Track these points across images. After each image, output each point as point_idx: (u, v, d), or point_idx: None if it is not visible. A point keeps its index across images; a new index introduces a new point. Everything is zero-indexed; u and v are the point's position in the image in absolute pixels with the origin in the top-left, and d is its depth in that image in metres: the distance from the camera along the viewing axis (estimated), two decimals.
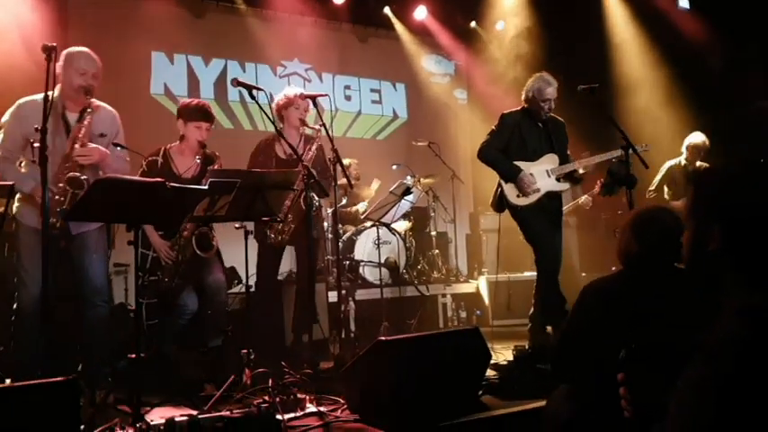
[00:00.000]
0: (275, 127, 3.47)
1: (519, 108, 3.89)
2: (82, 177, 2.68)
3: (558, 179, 3.80)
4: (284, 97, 3.74)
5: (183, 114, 3.29)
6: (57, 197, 2.67)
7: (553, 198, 3.82)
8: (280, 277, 4.61)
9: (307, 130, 3.80)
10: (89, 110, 2.80)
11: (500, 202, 3.82)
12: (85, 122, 2.77)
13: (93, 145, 2.80)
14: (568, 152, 3.95)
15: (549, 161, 3.81)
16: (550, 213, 3.81)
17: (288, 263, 4.56)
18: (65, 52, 2.89)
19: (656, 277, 1.55)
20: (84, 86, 2.79)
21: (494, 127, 3.88)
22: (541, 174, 3.77)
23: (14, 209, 2.86)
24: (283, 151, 3.77)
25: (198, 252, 3.15)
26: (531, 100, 3.79)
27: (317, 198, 3.63)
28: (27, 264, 2.76)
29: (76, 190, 2.66)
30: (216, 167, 3.27)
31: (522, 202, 3.72)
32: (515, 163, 3.74)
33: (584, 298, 1.68)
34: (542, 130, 3.84)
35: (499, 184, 3.82)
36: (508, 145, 3.78)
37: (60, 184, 2.69)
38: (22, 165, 2.84)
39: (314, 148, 3.70)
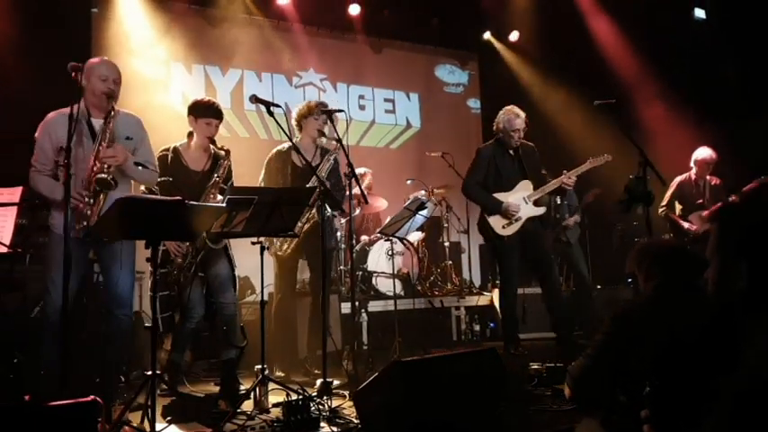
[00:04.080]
0: (290, 140, 3.49)
1: (492, 140, 4.28)
2: (109, 178, 2.73)
3: (535, 204, 4.15)
4: (305, 107, 3.77)
5: (194, 111, 3.33)
6: (88, 199, 2.72)
7: (534, 222, 4.17)
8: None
9: (323, 140, 3.81)
10: (112, 113, 2.86)
11: (485, 231, 4.19)
12: (110, 126, 2.84)
13: (117, 146, 2.86)
14: (544, 172, 4.28)
15: (524, 188, 4.16)
16: (534, 238, 4.15)
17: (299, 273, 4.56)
18: (87, 63, 2.96)
19: (684, 309, 1.51)
20: (107, 92, 2.86)
21: (471, 162, 4.27)
22: (519, 201, 4.11)
23: (50, 219, 2.90)
24: (300, 161, 3.79)
25: (209, 244, 3.16)
26: (502, 131, 4.18)
27: (329, 209, 3.62)
28: (55, 274, 2.79)
29: (105, 190, 2.72)
30: (226, 163, 3.30)
31: (507, 232, 4.10)
32: (494, 195, 4.11)
33: (611, 325, 1.64)
34: (514, 157, 4.21)
35: (484, 216, 4.17)
36: (486, 177, 4.15)
37: (92, 187, 2.74)
38: (57, 176, 2.87)
39: (332, 159, 3.72)
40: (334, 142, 3.71)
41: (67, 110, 2.88)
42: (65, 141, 2.72)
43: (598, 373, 1.64)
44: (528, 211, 4.12)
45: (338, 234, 5.22)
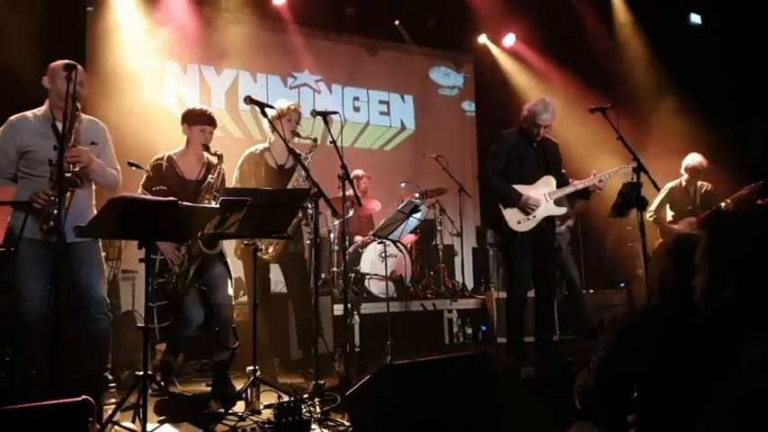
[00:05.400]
0: (285, 142, 3.50)
1: (516, 128, 3.93)
2: (75, 177, 2.71)
3: (555, 203, 3.83)
4: (277, 109, 3.77)
5: (188, 119, 3.33)
6: (54, 199, 2.68)
7: (549, 221, 3.87)
8: (283, 290, 4.62)
9: (301, 141, 3.82)
10: (77, 112, 2.83)
11: (498, 225, 3.85)
12: (75, 127, 2.82)
13: (83, 147, 2.85)
14: (564, 171, 4.00)
15: (546, 184, 3.84)
16: (546, 240, 3.87)
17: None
18: (50, 66, 2.95)
19: (685, 314, 1.48)
20: (72, 94, 2.79)
21: (493, 147, 3.96)
22: (539, 197, 3.79)
23: (12, 220, 2.86)
24: (274, 161, 3.80)
25: (204, 250, 3.15)
26: (526, 120, 3.83)
27: (310, 207, 3.60)
28: (25, 277, 2.79)
29: (71, 187, 2.70)
30: (219, 169, 3.29)
31: (523, 228, 3.76)
32: (514, 187, 3.77)
33: (614, 334, 1.61)
34: (537, 150, 3.88)
35: (497, 206, 3.83)
36: (506, 166, 3.81)
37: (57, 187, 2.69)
38: (17, 178, 2.86)
39: (310, 157, 3.71)
40: (310, 142, 3.71)
41: (30, 113, 2.92)
42: (28, 145, 2.76)
43: (605, 387, 1.59)
44: (547, 209, 3.79)
45: (331, 236, 5.23)
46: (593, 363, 1.63)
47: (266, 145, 3.87)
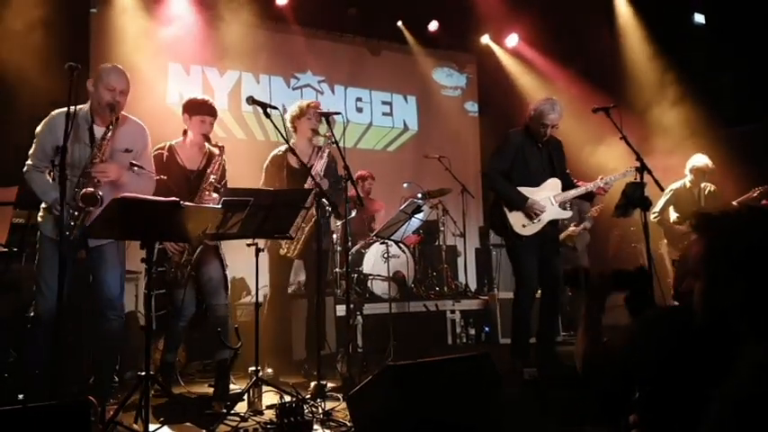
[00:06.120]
0: (287, 142, 3.50)
1: (521, 127, 3.85)
2: (98, 194, 2.70)
3: (561, 206, 3.78)
4: (297, 108, 3.78)
5: (189, 109, 3.34)
6: (73, 212, 2.70)
7: (553, 224, 3.83)
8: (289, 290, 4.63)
9: (320, 140, 3.82)
10: (111, 126, 2.82)
11: (502, 228, 3.77)
12: (108, 138, 2.80)
13: (112, 163, 2.83)
14: (568, 171, 3.95)
15: (552, 187, 3.77)
16: (549, 241, 3.80)
17: (293, 274, 4.55)
18: (99, 68, 2.96)
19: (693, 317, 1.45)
20: (111, 103, 2.82)
21: (498, 146, 3.88)
22: (545, 201, 3.72)
23: (38, 218, 2.90)
24: (296, 161, 3.80)
25: (204, 240, 3.16)
26: (532, 119, 3.74)
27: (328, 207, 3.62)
28: (46, 274, 2.78)
29: (90, 206, 2.69)
30: (219, 160, 3.30)
31: (527, 232, 3.69)
32: (519, 189, 3.69)
33: (637, 328, 1.58)
34: (543, 150, 3.81)
35: (501, 208, 3.75)
36: (511, 166, 3.74)
37: (78, 199, 2.71)
38: (51, 175, 2.87)
39: (325, 155, 3.72)
40: (327, 137, 3.70)
41: (74, 109, 2.91)
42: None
43: (617, 374, 1.54)
44: (552, 212, 3.74)
45: (334, 236, 5.24)
46: (614, 347, 1.57)
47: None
